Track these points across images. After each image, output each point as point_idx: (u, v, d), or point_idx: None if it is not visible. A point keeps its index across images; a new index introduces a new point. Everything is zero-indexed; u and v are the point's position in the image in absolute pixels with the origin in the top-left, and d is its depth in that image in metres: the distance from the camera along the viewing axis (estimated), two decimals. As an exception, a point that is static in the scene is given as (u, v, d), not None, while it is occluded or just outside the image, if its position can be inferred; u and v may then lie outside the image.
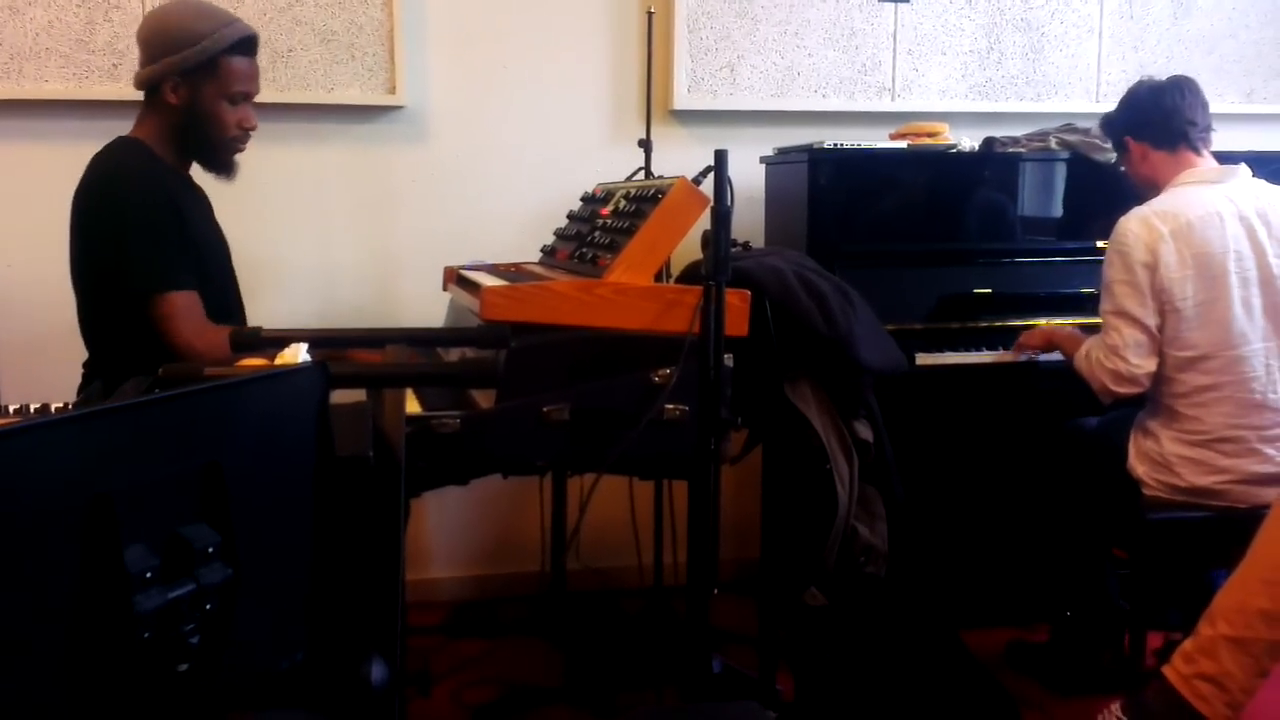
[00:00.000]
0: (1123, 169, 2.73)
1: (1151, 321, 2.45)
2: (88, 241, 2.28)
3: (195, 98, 2.29)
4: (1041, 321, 2.94)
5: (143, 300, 2.20)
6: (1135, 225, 2.47)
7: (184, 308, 2.21)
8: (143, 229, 2.20)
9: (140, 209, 2.21)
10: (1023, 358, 2.85)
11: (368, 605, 1.44)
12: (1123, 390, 2.49)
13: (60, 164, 2.93)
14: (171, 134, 2.33)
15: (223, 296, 2.40)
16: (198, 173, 2.44)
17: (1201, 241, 2.43)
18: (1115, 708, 2.26)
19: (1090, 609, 2.75)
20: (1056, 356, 2.78)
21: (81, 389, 2.33)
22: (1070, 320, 2.93)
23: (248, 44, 2.33)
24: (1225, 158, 2.60)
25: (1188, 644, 2.17)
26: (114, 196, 2.24)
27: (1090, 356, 2.54)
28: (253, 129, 2.38)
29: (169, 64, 2.26)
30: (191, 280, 2.23)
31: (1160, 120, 2.58)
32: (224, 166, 2.40)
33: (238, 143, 2.37)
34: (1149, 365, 2.46)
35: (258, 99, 2.39)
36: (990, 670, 2.77)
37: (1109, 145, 3.01)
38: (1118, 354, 2.46)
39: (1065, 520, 2.74)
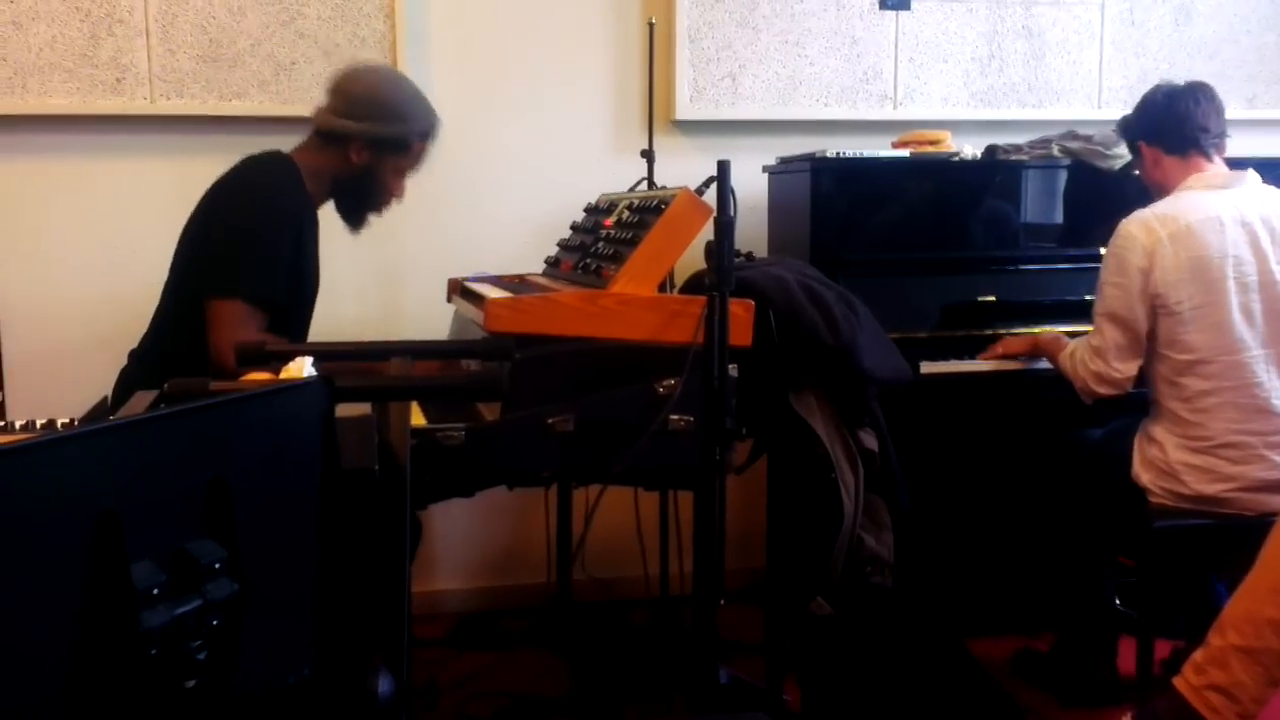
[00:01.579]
0: (1136, 172, 2.73)
1: (1139, 325, 2.46)
2: (206, 232, 2.34)
3: (375, 165, 2.41)
4: (1046, 329, 2.94)
5: (207, 295, 2.24)
6: (1135, 228, 2.48)
7: (239, 317, 2.23)
8: (260, 237, 2.27)
9: (267, 219, 2.29)
10: (1013, 361, 2.85)
11: (374, 618, 1.44)
12: (1103, 391, 2.52)
13: (64, 179, 2.94)
14: (331, 177, 2.43)
15: (301, 328, 2.48)
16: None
17: (1200, 245, 2.43)
18: (1126, 719, 2.25)
19: (1089, 617, 2.74)
20: (1028, 363, 2.80)
21: (121, 382, 2.38)
22: (1074, 328, 2.92)
23: (436, 132, 2.48)
24: (1231, 164, 2.60)
25: (1198, 654, 2.16)
26: (249, 200, 2.32)
27: (1075, 356, 2.57)
28: (400, 198, 2.51)
29: (368, 129, 2.37)
30: (268, 301, 2.27)
31: (1173, 126, 2.58)
32: (362, 223, 2.53)
33: (385, 208, 2.51)
34: (1129, 369, 2.48)
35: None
36: (997, 679, 2.76)
37: (1112, 152, 3.01)
38: (1100, 355, 2.50)
39: (1070, 528, 2.73)
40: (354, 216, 2.51)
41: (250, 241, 2.26)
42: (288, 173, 2.39)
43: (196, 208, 2.38)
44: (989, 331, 2.96)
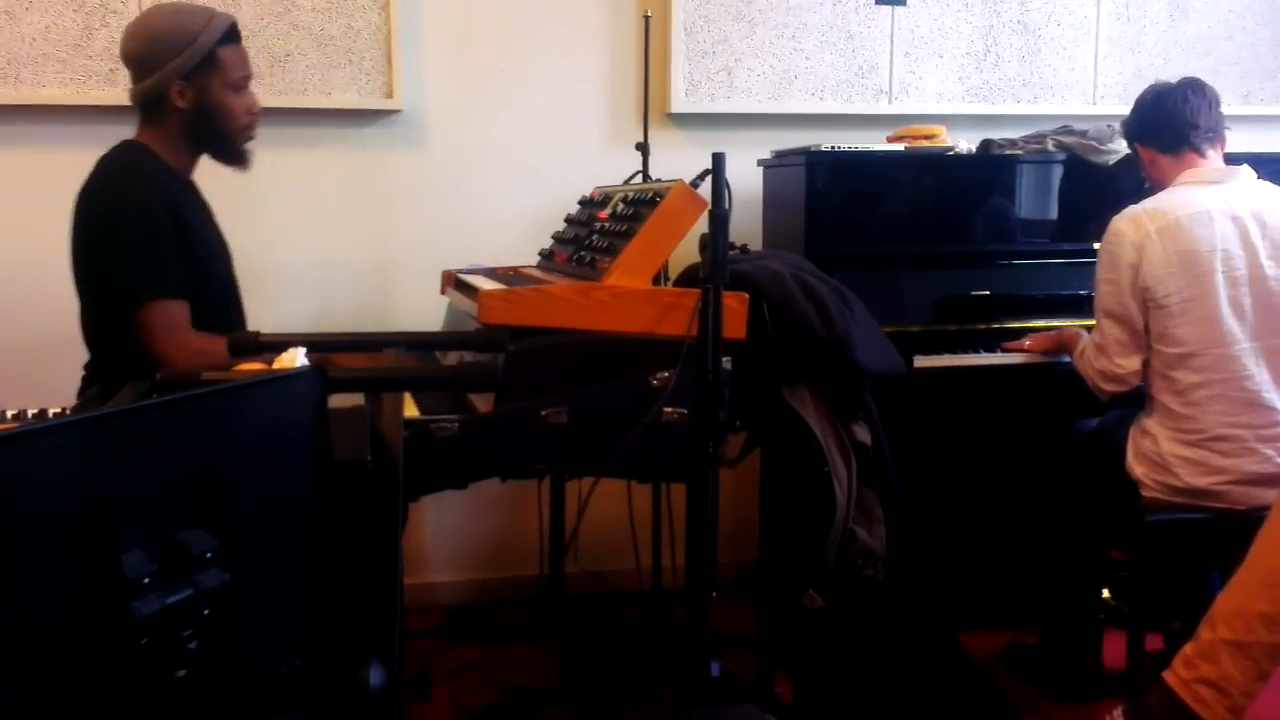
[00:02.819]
0: (1142, 175, 2.73)
1: (1134, 320, 2.47)
2: (87, 244, 2.28)
3: (203, 95, 2.31)
4: (1040, 323, 2.95)
5: (127, 307, 2.20)
6: (1124, 224, 2.49)
7: (165, 319, 2.20)
8: (136, 234, 2.20)
9: (137, 214, 2.21)
10: (1036, 359, 2.86)
11: (366, 609, 1.44)
12: (1112, 388, 2.53)
13: (58, 169, 2.92)
14: (181, 136, 2.34)
15: (223, 303, 2.41)
16: (202, 177, 2.44)
17: (1189, 239, 2.43)
18: (1117, 713, 2.26)
19: (1076, 611, 2.75)
20: (1053, 358, 2.80)
21: (81, 392, 2.34)
22: (1068, 322, 2.93)
23: (234, 32, 2.35)
24: (1225, 159, 2.60)
25: (1188, 648, 2.17)
26: (112, 200, 2.24)
27: (1084, 355, 2.59)
28: (258, 112, 2.41)
29: (171, 69, 2.27)
30: (180, 289, 2.23)
31: (1163, 124, 2.58)
32: (239, 156, 2.42)
33: (249, 129, 2.40)
34: (1132, 364, 2.49)
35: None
36: (988, 673, 2.77)
37: (1106, 147, 3.02)
38: (1103, 352, 2.51)
39: (1063, 522, 2.74)
40: (226, 154, 2.41)
41: (132, 241, 2.20)
42: (141, 157, 2.32)
43: (72, 220, 2.30)
44: (982, 326, 2.96)
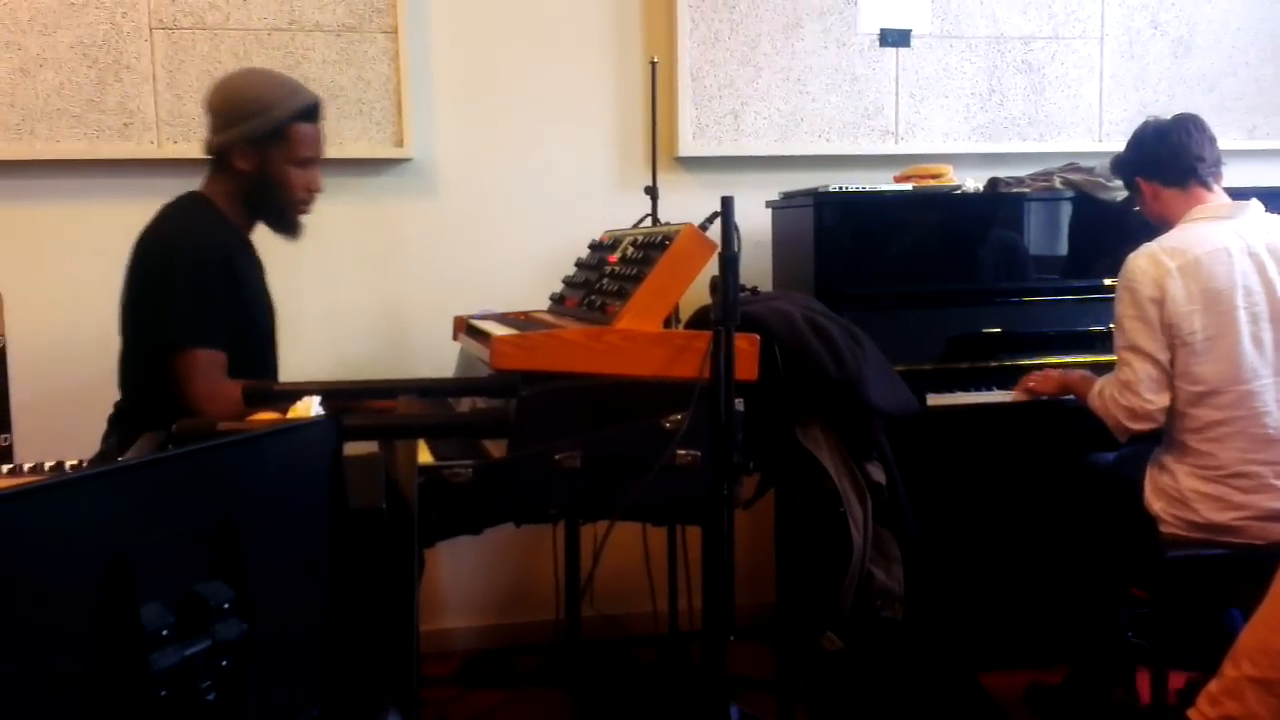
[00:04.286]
0: (1137, 209, 2.73)
1: (1162, 356, 2.44)
2: (138, 287, 2.33)
3: (264, 164, 2.36)
4: (1052, 360, 2.94)
5: (167, 351, 2.23)
6: (1143, 261, 2.48)
7: (203, 366, 2.23)
8: (187, 282, 2.25)
9: (191, 263, 2.26)
10: (1039, 399, 2.84)
11: (383, 657, 1.44)
12: (1138, 426, 2.48)
13: (72, 223, 2.96)
14: (240, 196, 2.40)
15: (260, 359, 2.45)
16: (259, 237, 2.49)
17: (1209, 276, 2.43)
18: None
19: (1103, 648, 2.72)
20: (1066, 397, 2.78)
21: (106, 435, 2.36)
22: (1080, 358, 2.92)
23: (313, 111, 2.41)
24: (1232, 194, 2.60)
25: (1212, 685, 2.14)
26: (169, 247, 2.30)
27: (1104, 394, 2.53)
28: (319, 191, 2.46)
29: (239, 132, 2.33)
30: (221, 339, 2.27)
31: (1168, 158, 2.59)
32: (290, 227, 2.47)
33: (304, 205, 2.45)
34: (1162, 400, 2.45)
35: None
36: (1010, 713, 2.74)
37: (1114, 183, 3.02)
38: (1131, 389, 2.46)
39: (1082, 557, 2.71)
40: (278, 223, 2.46)
41: (183, 289, 2.24)
42: (203, 209, 2.37)
43: (129, 262, 2.35)
44: (994, 363, 2.96)
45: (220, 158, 2.38)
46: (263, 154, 2.35)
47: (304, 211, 2.46)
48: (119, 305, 2.37)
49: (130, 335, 2.36)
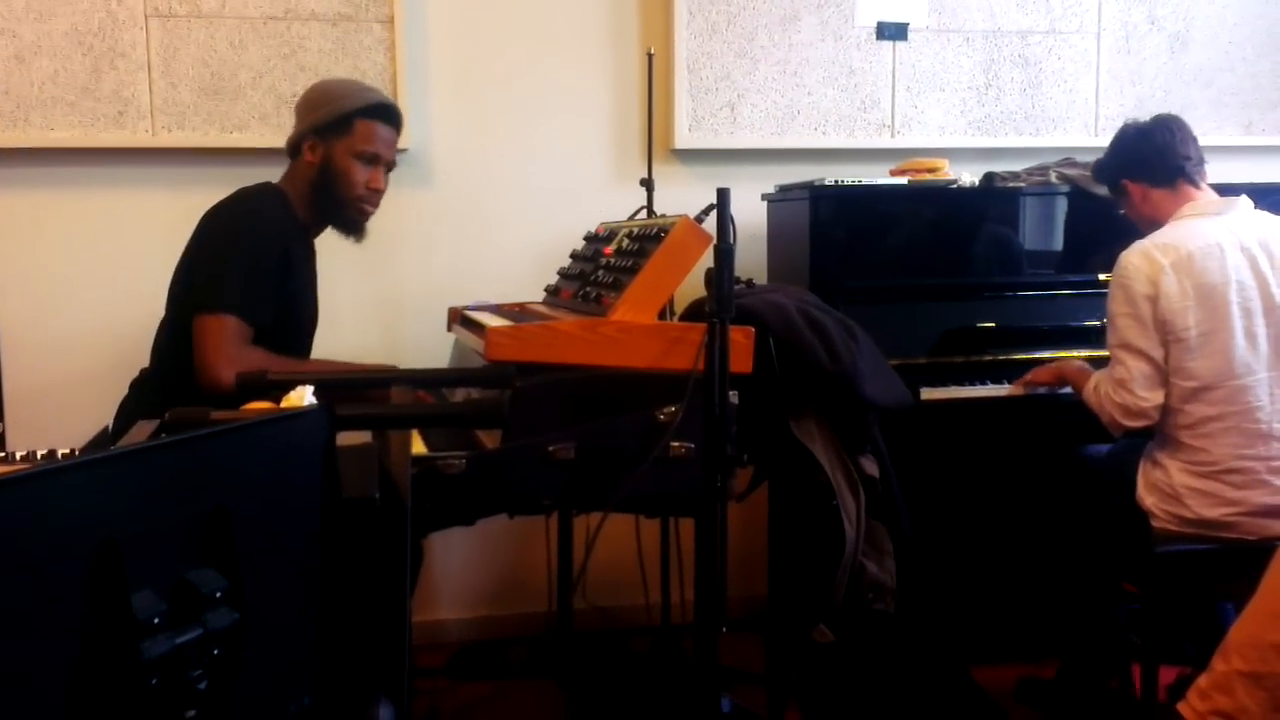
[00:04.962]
0: (1123, 212, 2.73)
1: (1156, 353, 2.45)
2: (194, 255, 2.38)
3: (329, 155, 2.43)
4: (1046, 354, 2.94)
5: (203, 311, 2.26)
6: (1136, 258, 2.49)
7: (231, 332, 2.25)
8: (243, 258, 2.29)
9: (250, 242, 2.32)
10: (1037, 391, 2.84)
11: (375, 647, 1.44)
12: (1131, 423, 2.49)
13: (66, 211, 2.95)
14: (310, 193, 2.46)
15: (292, 354, 2.46)
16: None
17: (1202, 272, 2.43)
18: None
19: (1097, 642, 2.73)
20: (1063, 389, 2.78)
21: (125, 402, 2.42)
22: (1074, 353, 2.93)
23: (384, 111, 2.48)
24: (1225, 190, 2.61)
25: (1202, 680, 2.15)
26: (234, 223, 2.36)
27: (1099, 390, 2.53)
28: (380, 191, 2.50)
29: (310, 123, 2.43)
30: (256, 317, 2.29)
31: (1155, 158, 2.59)
32: (353, 225, 2.52)
33: (365, 203, 2.49)
34: (1156, 398, 2.46)
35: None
36: (1002, 707, 2.75)
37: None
38: (1125, 387, 2.47)
39: (1074, 552, 2.72)
40: (341, 220, 2.51)
41: (234, 258, 2.29)
42: (275, 198, 2.44)
43: (192, 235, 2.42)
44: (988, 357, 2.96)
45: (293, 151, 2.47)
46: (328, 145, 2.43)
47: (366, 212, 2.50)
48: (172, 273, 2.42)
49: (177, 301, 2.40)
